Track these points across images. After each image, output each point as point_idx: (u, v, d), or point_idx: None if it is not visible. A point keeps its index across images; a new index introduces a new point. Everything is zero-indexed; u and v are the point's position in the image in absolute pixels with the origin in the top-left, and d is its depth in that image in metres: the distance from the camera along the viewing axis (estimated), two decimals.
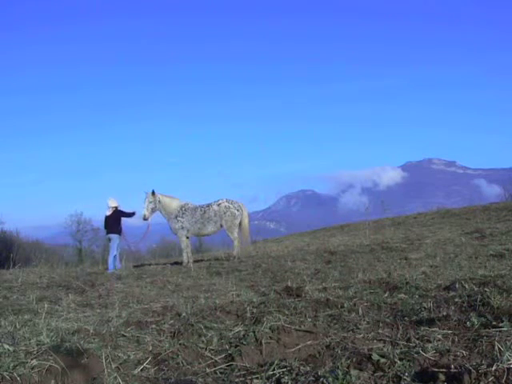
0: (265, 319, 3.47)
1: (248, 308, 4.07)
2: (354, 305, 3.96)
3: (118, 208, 12.19)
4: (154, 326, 3.73)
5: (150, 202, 11.53)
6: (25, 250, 35.82)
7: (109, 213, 12.10)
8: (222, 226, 11.43)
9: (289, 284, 5.38)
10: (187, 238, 11.65)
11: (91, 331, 3.56)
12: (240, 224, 11.49)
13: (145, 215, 11.58)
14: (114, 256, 11.98)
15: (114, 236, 12.02)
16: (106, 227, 12.27)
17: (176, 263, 11.92)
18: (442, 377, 2.18)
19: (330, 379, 2.28)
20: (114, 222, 12.04)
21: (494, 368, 2.13)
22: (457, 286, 4.21)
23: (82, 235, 45.86)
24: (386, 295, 4.30)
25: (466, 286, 4.12)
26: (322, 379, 2.31)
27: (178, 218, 11.43)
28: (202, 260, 12.38)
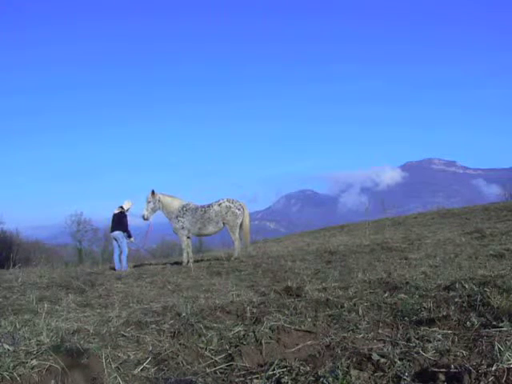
0: (265, 319, 3.47)
1: (248, 308, 4.07)
2: (354, 305, 3.96)
3: (125, 212, 12.16)
4: (153, 325, 3.73)
5: (149, 202, 11.54)
6: (25, 250, 35.84)
7: (116, 211, 12.14)
8: (224, 225, 11.42)
9: (289, 284, 5.38)
10: (188, 237, 11.65)
11: (91, 331, 3.56)
12: (241, 224, 11.46)
13: (144, 215, 11.59)
14: (124, 256, 11.98)
15: (119, 234, 11.98)
16: (111, 226, 12.31)
17: (176, 263, 11.92)
18: (441, 377, 2.18)
19: (330, 379, 2.28)
20: (118, 221, 12.07)
21: (493, 368, 2.13)
22: (457, 286, 4.21)
23: (82, 235, 45.90)
24: (386, 295, 4.29)
25: (466, 286, 4.12)
26: (321, 379, 2.31)
27: (179, 218, 11.42)
28: (202, 260, 12.38)
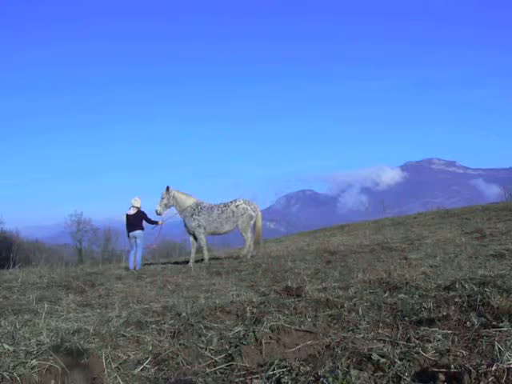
0: (265, 319, 3.47)
1: (248, 308, 4.07)
2: (354, 305, 3.96)
3: (141, 209, 11.98)
4: (154, 325, 3.73)
5: (163, 198, 11.59)
6: (25, 249, 35.88)
7: (131, 212, 11.85)
8: (237, 226, 11.54)
9: (289, 284, 5.38)
10: (195, 237, 11.69)
11: (91, 331, 3.56)
12: (254, 224, 11.70)
13: (157, 210, 11.63)
14: (140, 254, 11.87)
15: (139, 233, 11.71)
16: (127, 226, 11.87)
17: (176, 263, 11.93)
18: (441, 377, 2.18)
19: (330, 379, 2.28)
20: (136, 220, 11.72)
21: (493, 368, 2.13)
22: (457, 286, 4.21)
23: (82, 235, 46.00)
24: (385, 295, 4.30)
25: (466, 286, 4.12)
26: (321, 379, 2.31)
27: (194, 217, 11.46)
28: (202, 260, 12.39)
